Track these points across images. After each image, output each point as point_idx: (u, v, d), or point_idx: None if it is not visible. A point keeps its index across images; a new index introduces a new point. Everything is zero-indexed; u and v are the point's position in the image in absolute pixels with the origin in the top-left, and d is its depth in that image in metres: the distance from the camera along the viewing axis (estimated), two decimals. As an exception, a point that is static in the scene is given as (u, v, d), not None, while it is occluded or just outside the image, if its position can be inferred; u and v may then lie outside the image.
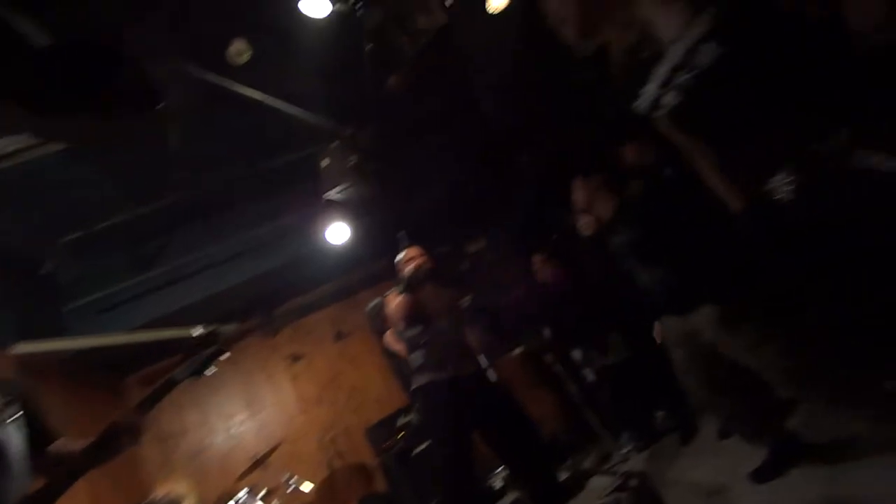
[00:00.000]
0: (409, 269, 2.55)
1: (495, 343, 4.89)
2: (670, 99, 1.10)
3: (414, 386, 2.36)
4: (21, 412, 1.17)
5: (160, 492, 3.24)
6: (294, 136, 3.58)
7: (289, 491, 3.41)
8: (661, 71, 1.10)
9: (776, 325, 1.63)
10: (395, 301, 2.45)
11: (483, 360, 2.44)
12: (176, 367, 1.43)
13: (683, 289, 1.83)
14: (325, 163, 3.50)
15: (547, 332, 3.80)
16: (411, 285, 2.44)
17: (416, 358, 2.34)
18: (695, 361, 1.87)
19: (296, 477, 3.49)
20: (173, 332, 4.18)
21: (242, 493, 3.10)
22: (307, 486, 3.53)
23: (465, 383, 2.26)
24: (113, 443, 1.18)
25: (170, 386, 1.37)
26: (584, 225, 3.04)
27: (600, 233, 2.13)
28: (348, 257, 4.36)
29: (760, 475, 1.85)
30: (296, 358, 4.81)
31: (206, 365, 1.43)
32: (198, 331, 1.48)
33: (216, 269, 4.08)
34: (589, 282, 3.41)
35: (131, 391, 4.55)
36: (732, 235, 1.78)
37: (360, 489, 4.27)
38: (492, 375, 4.52)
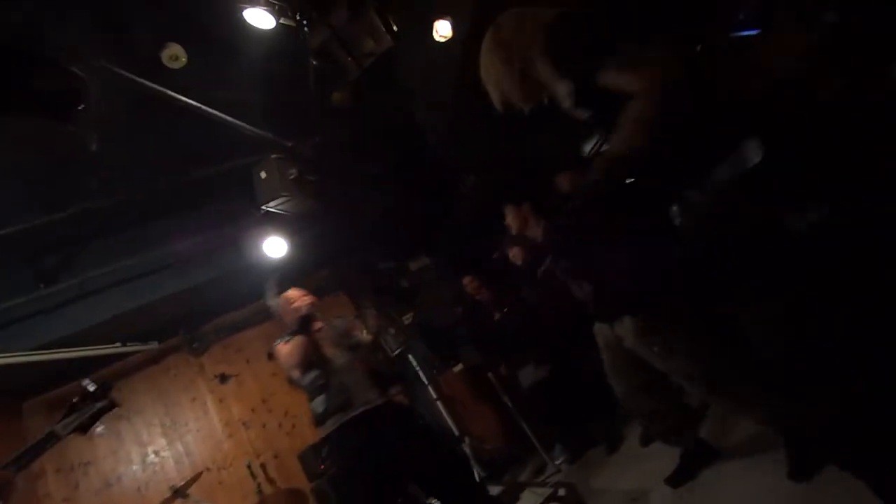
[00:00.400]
0: (295, 309, 2.40)
1: (435, 360, 4.93)
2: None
3: (322, 435, 2.19)
4: None
5: None
6: (228, 146, 3.45)
7: (212, 523, 3.17)
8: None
9: (682, 335, 1.81)
10: (285, 350, 2.26)
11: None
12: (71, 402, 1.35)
13: (607, 302, 1.99)
14: (262, 174, 3.39)
15: (483, 350, 3.90)
16: (303, 327, 2.30)
17: (318, 404, 2.16)
18: (619, 364, 2.04)
19: (220, 507, 3.26)
20: (102, 350, 3.80)
21: (158, 529, 2.84)
22: (233, 517, 3.31)
23: (378, 416, 2.16)
24: None
25: (50, 441, 1.28)
26: (515, 255, 3.20)
27: (529, 260, 2.28)
28: (284, 271, 4.22)
29: (673, 480, 2.02)
30: (224, 378, 4.52)
31: (94, 420, 1.37)
32: (88, 384, 1.42)
33: (132, 283, 3.77)
34: (522, 301, 3.56)
35: (32, 416, 4.04)
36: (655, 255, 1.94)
37: (293, 517, 4.06)
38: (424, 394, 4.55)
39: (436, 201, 4.73)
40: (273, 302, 2.53)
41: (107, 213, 3.44)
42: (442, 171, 4.32)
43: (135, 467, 4.09)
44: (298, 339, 2.23)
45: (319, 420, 2.18)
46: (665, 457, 2.35)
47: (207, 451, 4.24)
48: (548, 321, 3.20)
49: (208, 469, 4.01)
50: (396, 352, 4.53)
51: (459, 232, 5.47)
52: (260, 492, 3.84)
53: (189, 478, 3.39)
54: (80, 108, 2.00)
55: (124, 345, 4.04)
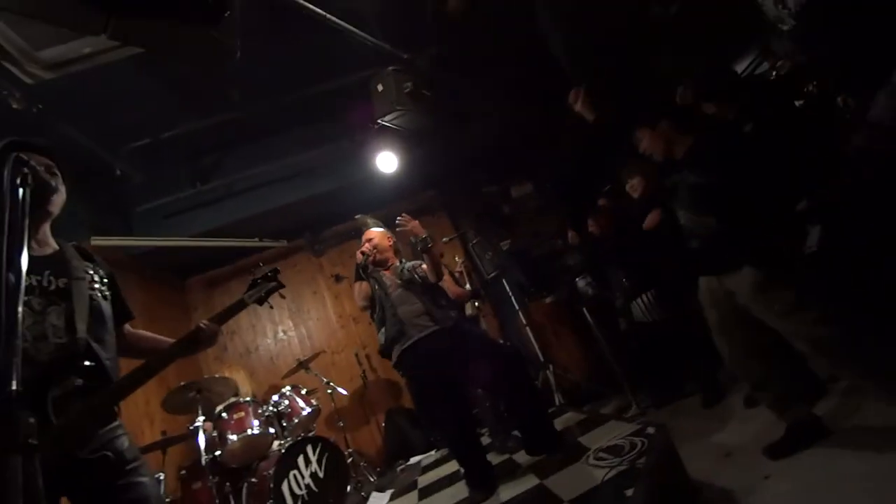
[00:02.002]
0: (359, 254, 2.60)
1: (529, 288, 4.95)
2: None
3: (392, 362, 2.44)
4: (110, 291, 1.41)
5: (222, 374, 3.72)
6: (350, 58, 3.52)
7: (328, 392, 3.78)
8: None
9: (813, 294, 1.59)
10: (355, 288, 2.58)
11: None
12: (229, 276, 1.70)
13: (719, 247, 1.78)
14: (379, 87, 3.43)
15: (583, 285, 3.80)
16: (360, 274, 2.54)
17: (380, 337, 2.43)
18: (728, 324, 1.86)
19: (333, 382, 3.85)
20: (225, 242, 4.46)
21: (287, 389, 3.47)
22: (343, 391, 3.90)
23: (431, 339, 2.32)
24: (195, 342, 1.43)
25: (240, 307, 1.62)
26: (633, 187, 2.93)
27: (647, 196, 2.06)
28: (395, 187, 4.42)
29: (773, 450, 1.85)
30: (338, 278, 5.09)
31: (268, 296, 1.70)
32: (261, 266, 1.77)
33: (268, 187, 4.26)
34: (633, 239, 3.32)
35: (192, 290, 5.03)
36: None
37: (388, 402, 4.67)
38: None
39: (549, 124, 4.42)
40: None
41: (247, 122, 3.85)
42: (561, 87, 3.96)
43: (268, 341, 4.96)
44: (360, 283, 2.53)
45: (383, 352, 2.44)
46: (769, 422, 2.18)
47: (324, 337, 4.95)
48: (653, 264, 2.96)
49: (324, 351, 4.68)
50: (491, 275, 4.64)
51: (568, 160, 5.13)
52: (364, 377, 4.43)
53: (310, 356, 4.02)
54: (226, 14, 2.16)
55: (261, 240, 4.69)
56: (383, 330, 2.42)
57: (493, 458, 3.06)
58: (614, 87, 3.82)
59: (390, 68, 3.36)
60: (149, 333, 1.55)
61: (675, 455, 1.71)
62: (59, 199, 1.31)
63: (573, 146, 4.80)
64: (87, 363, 1.19)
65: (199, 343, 1.44)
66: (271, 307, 1.76)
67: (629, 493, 1.41)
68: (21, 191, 1.22)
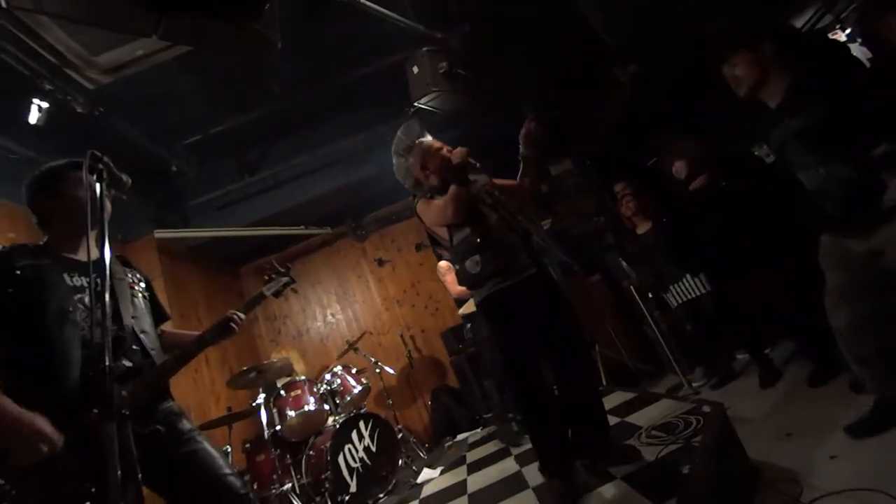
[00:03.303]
0: (442, 156, 1.99)
1: (572, 268, 4.86)
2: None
3: (477, 300, 1.96)
4: (148, 293, 1.57)
5: (275, 357, 3.94)
6: (384, 42, 3.51)
7: (376, 371, 3.93)
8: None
9: None
10: (434, 204, 1.98)
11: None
12: (281, 262, 1.94)
13: (862, 196, 1.47)
14: (414, 69, 3.42)
15: (628, 262, 3.69)
16: (458, 176, 1.91)
17: (473, 265, 1.86)
18: (857, 289, 1.60)
19: (380, 362, 3.99)
20: (276, 231, 4.65)
21: (338, 368, 3.64)
22: (390, 371, 4.04)
23: (534, 284, 1.88)
24: (225, 330, 1.56)
25: (260, 299, 1.78)
26: (678, 170, 2.72)
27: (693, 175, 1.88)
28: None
29: (857, 429, 1.70)
30: (381, 262, 5.22)
31: (283, 289, 1.87)
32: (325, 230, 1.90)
33: (311, 176, 4.39)
34: (675, 216, 3.17)
35: (245, 277, 5.31)
36: None
37: (434, 381, 4.78)
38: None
39: (588, 99, 4.26)
40: (410, 144, 2.09)
41: (288, 114, 3.96)
42: (599, 61, 3.80)
43: (318, 323, 5.19)
44: (454, 190, 1.85)
45: (476, 282, 1.88)
46: (830, 403, 2.06)
47: (370, 319, 5.12)
48: (715, 234, 2.80)
49: (371, 332, 4.84)
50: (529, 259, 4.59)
51: (609, 135, 4.93)
52: (410, 356, 4.56)
53: (357, 336, 4.17)
54: (266, 5, 2.22)
55: (306, 227, 4.86)
56: (477, 259, 1.86)
57: (495, 446, 3.11)
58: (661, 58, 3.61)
59: (424, 49, 3.34)
60: (181, 331, 1.73)
61: (733, 433, 1.66)
62: (109, 209, 1.42)
63: (612, 122, 4.61)
64: (134, 347, 1.35)
65: (230, 330, 1.56)
66: (287, 297, 1.95)
67: (685, 470, 1.39)
68: (98, 185, 1.35)
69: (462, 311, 3.58)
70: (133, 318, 1.39)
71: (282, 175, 4.34)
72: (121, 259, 1.55)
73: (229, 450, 3.03)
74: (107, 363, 1.18)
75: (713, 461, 1.40)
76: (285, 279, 1.88)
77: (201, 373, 3.70)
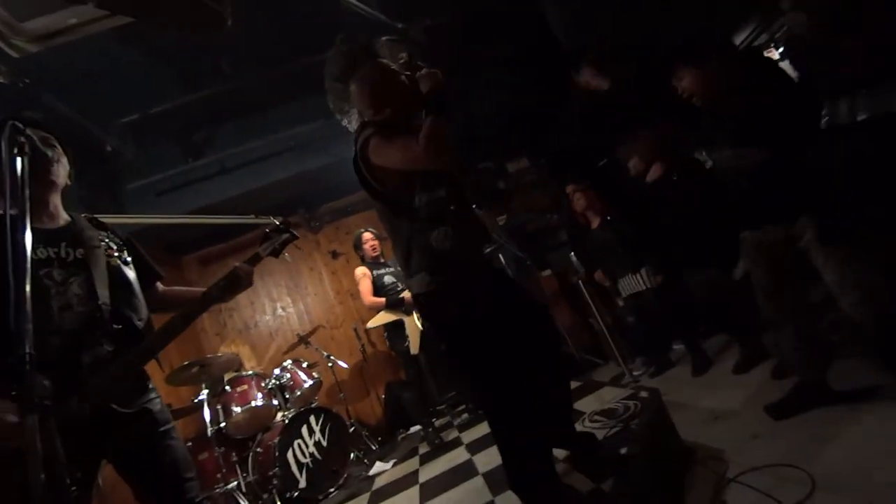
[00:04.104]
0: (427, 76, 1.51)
1: (525, 262, 4.99)
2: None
3: (433, 286, 1.45)
4: (131, 255, 1.43)
5: (225, 351, 3.76)
6: (344, 28, 3.43)
7: (328, 365, 3.85)
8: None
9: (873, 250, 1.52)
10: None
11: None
12: (224, 253, 1.69)
13: (786, 188, 1.62)
14: (376, 56, 3.37)
15: (576, 259, 3.84)
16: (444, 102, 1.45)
17: (439, 239, 1.43)
18: (780, 279, 1.76)
19: (333, 356, 3.91)
20: (222, 220, 4.41)
21: (288, 363, 3.53)
22: (343, 364, 3.98)
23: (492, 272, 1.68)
24: (233, 285, 1.46)
25: (255, 260, 1.59)
26: (634, 166, 2.87)
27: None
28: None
29: (777, 410, 1.85)
30: (336, 255, 5.11)
31: (283, 247, 1.66)
32: (278, 219, 1.72)
33: (262, 163, 4.21)
34: (626, 212, 3.34)
35: (188, 268, 5.03)
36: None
37: (387, 375, 4.76)
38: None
39: (546, 99, 4.38)
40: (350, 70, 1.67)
41: (238, 96, 3.77)
42: (558, 62, 3.91)
43: (267, 317, 5.00)
44: (434, 123, 1.34)
45: (440, 261, 1.45)
46: (757, 387, 2.25)
47: (322, 312, 5.00)
48: (666, 227, 2.97)
49: (323, 326, 4.74)
50: (488, 250, 4.67)
51: (567, 133, 5.10)
52: (363, 350, 4.51)
53: (309, 330, 4.07)
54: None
55: (255, 217, 4.67)
56: (448, 231, 1.48)
57: (448, 436, 3.13)
58: (614, 59, 3.76)
59: (384, 38, 3.29)
60: (182, 288, 1.59)
61: (667, 416, 1.78)
62: (62, 170, 1.32)
63: (570, 121, 4.77)
64: (115, 326, 1.23)
65: (237, 285, 1.47)
66: (288, 258, 1.75)
67: (623, 451, 1.48)
68: (19, 160, 1.23)
69: (375, 322, 3.42)
70: (113, 290, 1.27)
71: (230, 160, 4.14)
72: (94, 222, 1.40)
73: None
74: (27, 351, 1.10)
75: (649, 442, 1.50)
76: (285, 235, 1.66)
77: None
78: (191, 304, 1.40)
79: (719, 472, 1.59)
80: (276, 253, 1.66)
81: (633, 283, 3.20)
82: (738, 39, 3.52)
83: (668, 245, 2.90)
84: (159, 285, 1.52)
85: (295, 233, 1.69)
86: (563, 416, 1.60)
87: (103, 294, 1.22)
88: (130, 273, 1.38)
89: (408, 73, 1.52)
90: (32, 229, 1.22)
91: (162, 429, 1.28)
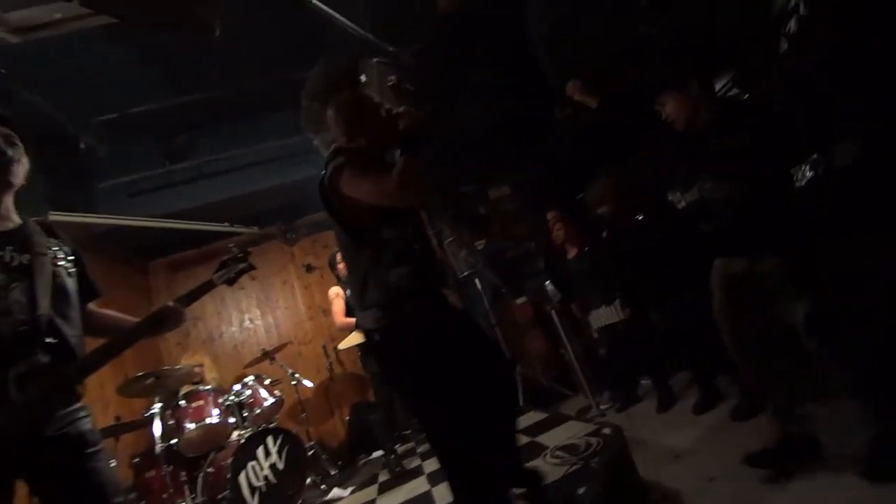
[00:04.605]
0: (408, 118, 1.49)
1: (501, 289, 5.02)
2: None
3: (389, 320, 1.42)
4: (76, 268, 1.37)
5: (186, 362, 3.61)
6: (335, 47, 3.48)
7: (292, 384, 3.73)
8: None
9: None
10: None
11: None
12: (195, 261, 1.64)
13: (757, 225, 1.65)
14: (362, 78, 3.41)
15: (551, 288, 3.88)
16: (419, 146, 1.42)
17: (397, 277, 1.41)
18: (742, 305, 1.74)
19: (298, 374, 3.79)
20: (187, 225, 4.31)
21: (250, 379, 3.41)
22: (308, 383, 3.85)
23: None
24: (160, 322, 1.40)
25: (207, 287, 1.56)
26: (602, 211, 2.95)
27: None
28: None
29: (757, 459, 1.72)
30: (310, 268, 5.02)
31: (238, 276, 1.65)
32: (231, 246, 1.69)
33: (242, 171, 4.16)
34: (601, 247, 3.42)
35: (155, 273, 4.86)
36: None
37: (354, 396, 4.64)
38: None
39: (530, 129, 4.49)
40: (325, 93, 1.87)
41: (224, 103, 3.75)
42: (544, 95, 4.04)
43: (233, 329, 4.85)
44: (409, 162, 1.34)
45: (398, 296, 1.42)
46: (718, 427, 2.28)
47: (291, 327, 4.88)
48: (632, 265, 3.04)
49: (291, 342, 4.62)
50: (465, 274, 4.68)
51: (548, 164, 5.22)
52: (331, 369, 4.39)
53: (276, 346, 3.95)
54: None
55: (231, 225, 4.58)
56: (408, 270, 1.46)
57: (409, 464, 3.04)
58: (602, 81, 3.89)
59: (375, 60, 3.34)
60: (113, 312, 1.51)
61: (628, 455, 1.78)
62: (20, 170, 1.26)
63: (552, 150, 4.90)
64: (50, 340, 1.17)
65: (163, 323, 1.40)
66: (242, 288, 1.74)
67: (581, 491, 1.46)
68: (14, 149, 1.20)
69: (348, 343, 3.41)
70: (54, 301, 1.21)
71: (209, 166, 4.07)
72: (45, 228, 1.34)
73: (113, 464, 2.70)
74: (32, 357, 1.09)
75: (607, 483, 1.49)
76: (241, 265, 1.63)
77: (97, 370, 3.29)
78: (118, 334, 1.35)
79: (676, 515, 1.59)
80: (230, 282, 1.63)
81: (604, 316, 3.24)
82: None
83: (636, 280, 2.97)
84: (92, 305, 1.45)
85: (252, 264, 1.68)
86: (512, 453, 1.57)
87: (44, 304, 1.17)
88: (73, 286, 1.33)
89: (388, 107, 1.51)
90: None
91: (89, 450, 1.20)
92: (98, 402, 3.29)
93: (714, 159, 1.77)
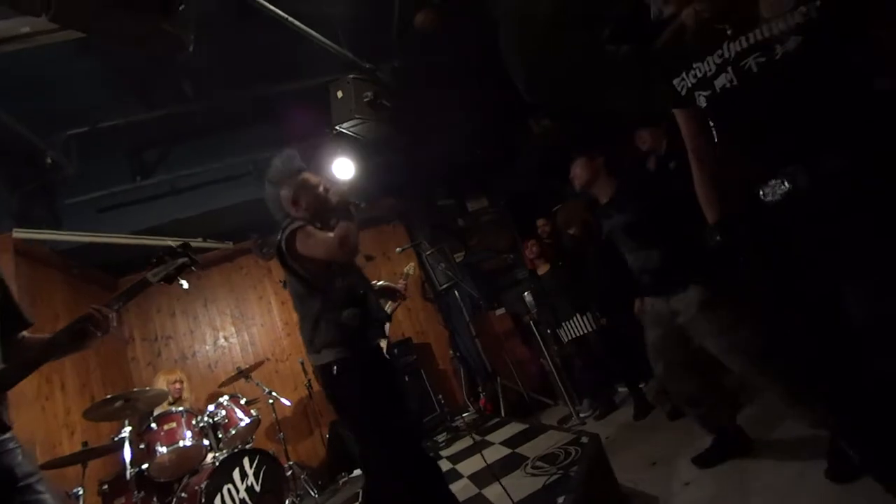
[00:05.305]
0: (336, 192, 1.83)
1: (480, 300, 5.07)
2: (722, 81, 1.08)
3: (343, 354, 1.64)
4: (1, 296, 1.27)
5: (164, 379, 3.49)
6: (311, 62, 3.49)
7: (269, 402, 3.64)
8: (732, 49, 1.05)
9: (753, 309, 1.70)
10: (320, 235, 1.72)
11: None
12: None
13: (667, 273, 1.92)
14: (339, 94, 3.43)
15: (530, 299, 3.94)
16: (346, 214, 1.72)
17: (350, 318, 1.64)
18: (666, 341, 1.98)
19: (275, 392, 3.71)
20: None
21: (225, 398, 3.32)
22: (286, 402, 3.77)
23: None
24: (82, 333, 1.27)
25: (142, 286, 1.44)
26: (574, 232, 3.14)
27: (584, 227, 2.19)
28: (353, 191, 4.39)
29: (702, 460, 2.00)
30: (286, 284, 4.94)
31: (178, 273, 1.52)
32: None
33: (215, 186, 4.10)
34: (568, 262, 3.55)
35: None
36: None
37: (333, 414, 4.55)
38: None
39: (507, 143, 4.59)
40: (285, 174, 1.85)
41: (197, 118, 3.70)
42: (518, 110, 4.14)
43: (207, 347, 4.70)
44: (347, 226, 1.65)
45: (349, 335, 1.64)
46: (693, 433, 2.34)
47: (268, 344, 4.77)
48: (598, 281, 3.17)
49: (268, 359, 4.52)
50: (444, 286, 4.70)
51: (523, 178, 5.33)
52: (309, 387, 4.31)
53: (252, 364, 3.86)
54: (181, 6, 2.10)
55: (205, 240, 4.48)
56: (357, 311, 1.68)
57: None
58: (570, 118, 4.03)
59: (351, 76, 3.37)
60: (49, 335, 1.36)
61: (606, 463, 1.81)
62: None
63: (526, 165, 5.00)
64: None
65: (86, 332, 1.26)
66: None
67: (561, 500, 1.48)
68: None
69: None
70: None
71: (182, 181, 3.99)
72: None
73: (81, 492, 2.58)
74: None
75: (586, 491, 1.52)
76: (181, 260, 1.49)
77: (54, 400, 3.14)
78: (35, 350, 1.24)
79: (653, 521, 1.62)
80: (169, 279, 1.51)
81: (575, 328, 3.31)
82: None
83: (604, 292, 3.08)
84: (26, 334, 1.35)
85: (195, 258, 1.55)
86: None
87: None
88: None
89: (325, 187, 1.85)
90: None
91: (21, 483, 1.10)
92: (64, 427, 3.14)
93: (623, 233, 2.07)
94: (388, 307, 2.48)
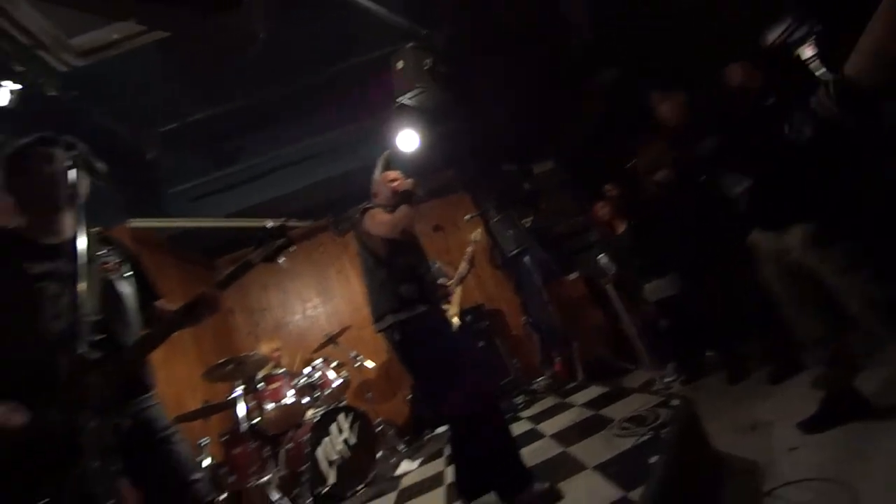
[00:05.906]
0: (392, 187, 2.20)
1: (551, 265, 4.94)
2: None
3: (404, 316, 1.95)
4: (132, 271, 1.46)
5: (266, 348, 3.90)
6: (369, 36, 3.49)
7: (356, 365, 3.93)
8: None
9: (870, 252, 1.54)
10: (381, 216, 2.07)
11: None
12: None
13: (774, 203, 1.76)
14: (399, 65, 3.41)
15: (605, 261, 3.77)
16: (406, 199, 2.04)
17: (408, 290, 1.98)
18: (785, 278, 1.82)
19: (361, 356, 3.98)
20: (253, 223, 4.57)
21: (318, 361, 3.63)
22: (370, 364, 4.04)
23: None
24: (198, 309, 1.41)
25: (246, 268, 1.53)
26: (663, 175, 2.87)
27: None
28: (415, 166, 4.43)
29: (810, 425, 1.82)
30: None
31: (277, 253, 1.59)
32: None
33: (291, 168, 4.34)
34: (646, 217, 3.29)
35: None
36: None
37: (414, 376, 4.80)
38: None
39: (570, 100, 4.33)
40: (376, 174, 2.36)
41: (268, 105, 3.89)
42: (582, 65, 3.86)
43: (297, 317, 5.14)
44: (405, 209, 1.99)
45: (406, 303, 1.95)
46: (794, 398, 2.16)
47: (350, 313, 5.09)
48: (684, 235, 2.92)
49: (351, 326, 4.83)
50: (513, 252, 4.65)
51: (589, 136, 5.01)
52: (389, 351, 4.56)
53: (338, 330, 4.15)
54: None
55: (287, 220, 4.79)
56: (415, 287, 2.02)
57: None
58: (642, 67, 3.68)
59: (409, 45, 3.33)
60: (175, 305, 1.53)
61: (700, 426, 1.74)
62: (84, 190, 1.35)
63: (592, 123, 4.70)
64: (100, 338, 1.24)
65: (199, 309, 1.41)
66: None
67: (653, 460, 1.46)
68: (72, 172, 1.32)
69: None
70: (104, 303, 1.29)
71: (259, 167, 4.28)
72: (102, 238, 1.42)
73: (206, 442, 2.99)
74: (79, 352, 1.18)
75: (679, 451, 1.47)
76: (279, 241, 1.57)
77: (178, 364, 3.63)
78: (157, 326, 1.39)
79: (754, 484, 1.54)
80: (269, 259, 1.59)
81: (659, 288, 3.13)
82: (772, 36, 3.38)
83: (688, 249, 2.84)
84: (159, 305, 1.52)
85: (290, 238, 1.61)
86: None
87: (90, 307, 1.23)
88: (125, 288, 1.40)
89: (395, 178, 2.23)
90: (36, 245, 1.31)
91: (160, 435, 1.30)
92: (187, 389, 3.63)
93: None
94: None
